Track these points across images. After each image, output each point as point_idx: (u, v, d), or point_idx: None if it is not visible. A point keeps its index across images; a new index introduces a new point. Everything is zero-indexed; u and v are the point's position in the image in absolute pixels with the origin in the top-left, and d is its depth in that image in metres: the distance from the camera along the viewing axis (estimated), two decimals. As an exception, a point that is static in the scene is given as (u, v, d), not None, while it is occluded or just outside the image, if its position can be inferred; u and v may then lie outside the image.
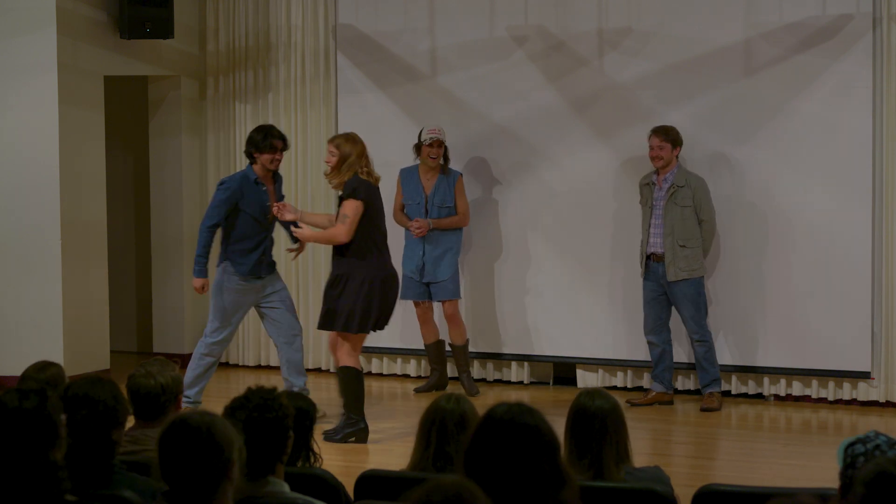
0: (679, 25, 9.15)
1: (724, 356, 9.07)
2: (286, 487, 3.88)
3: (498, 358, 9.75)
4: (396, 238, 8.83)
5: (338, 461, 6.95)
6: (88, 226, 9.53)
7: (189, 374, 8.37)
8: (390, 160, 9.65)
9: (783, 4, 8.90)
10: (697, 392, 9.12)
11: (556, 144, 9.40)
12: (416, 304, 9.38)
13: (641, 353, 9.25)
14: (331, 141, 7.93)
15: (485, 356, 9.77)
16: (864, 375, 8.84)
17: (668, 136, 8.74)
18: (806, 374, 9.00)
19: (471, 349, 9.72)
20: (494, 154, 9.64)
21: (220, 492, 3.31)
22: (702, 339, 8.84)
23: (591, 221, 9.35)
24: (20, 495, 3.36)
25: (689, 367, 9.18)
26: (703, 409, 8.76)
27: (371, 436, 7.96)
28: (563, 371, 9.72)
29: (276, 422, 3.87)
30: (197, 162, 10.50)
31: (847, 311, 8.82)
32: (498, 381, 9.78)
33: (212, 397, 8.91)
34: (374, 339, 9.92)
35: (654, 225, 8.81)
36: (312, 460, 4.50)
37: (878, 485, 2.93)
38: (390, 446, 7.74)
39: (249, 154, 8.36)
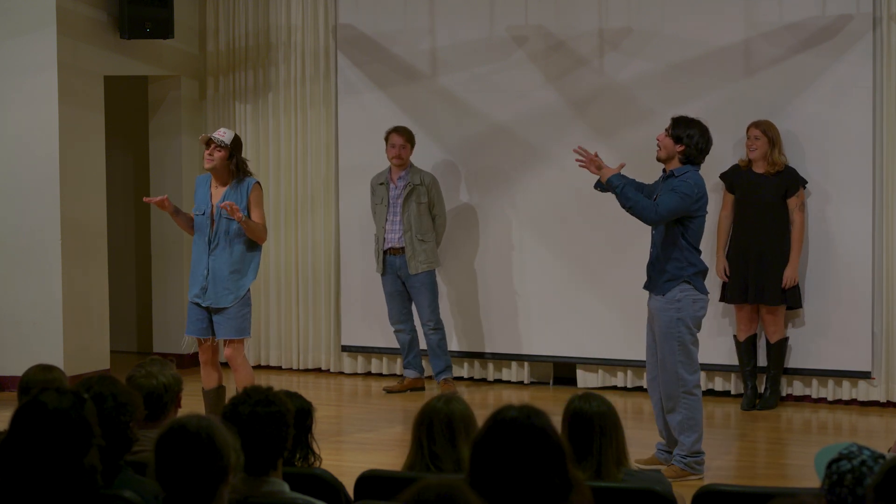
0: (679, 25, 9.15)
1: (725, 356, 9.07)
2: (286, 487, 3.88)
3: (498, 358, 9.74)
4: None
5: (337, 461, 6.95)
6: (88, 226, 9.53)
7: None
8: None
9: (783, 4, 8.90)
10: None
11: (556, 144, 9.39)
12: (200, 344, 7.80)
13: (641, 352, 9.24)
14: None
15: (485, 356, 9.77)
16: (865, 375, 8.83)
17: (409, 138, 9.25)
18: (806, 373, 9.00)
19: (472, 349, 9.72)
20: (494, 154, 9.63)
21: (218, 496, 3.31)
22: (436, 328, 9.35)
23: (591, 221, 9.34)
24: (55, 496, 3.37)
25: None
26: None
27: (371, 436, 7.95)
28: (563, 371, 9.72)
29: (277, 416, 3.87)
30: (197, 162, 10.47)
31: (847, 311, 8.82)
32: (498, 381, 9.78)
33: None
34: (374, 339, 9.95)
35: (392, 221, 9.27)
36: (312, 460, 4.51)
37: (890, 478, 2.92)
38: (390, 446, 7.74)
39: None
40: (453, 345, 9.70)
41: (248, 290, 7.71)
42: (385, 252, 9.30)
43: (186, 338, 7.94)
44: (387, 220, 9.28)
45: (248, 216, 7.60)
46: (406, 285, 9.34)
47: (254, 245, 7.71)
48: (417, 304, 9.37)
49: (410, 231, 9.21)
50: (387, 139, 9.28)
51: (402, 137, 9.23)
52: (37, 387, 4.39)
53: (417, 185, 9.23)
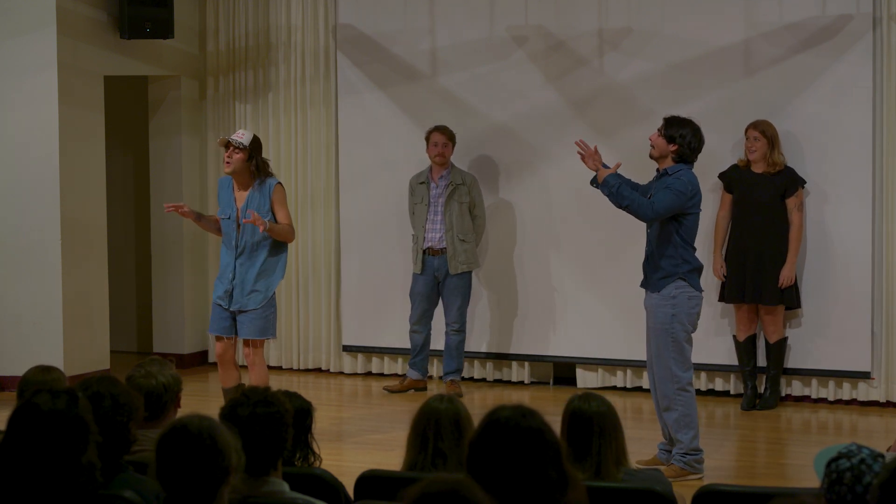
0: (679, 25, 9.15)
1: (724, 356, 9.07)
2: (286, 487, 3.88)
3: (498, 358, 9.74)
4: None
5: (337, 461, 6.95)
6: (88, 226, 9.53)
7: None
8: (390, 160, 9.67)
9: (783, 4, 8.90)
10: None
11: (556, 144, 9.39)
12: (219, 340, 7.84)
13: (641, 352, 9.24)
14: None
15: (485, 356, 9.77)
16: (865, 375, 8.83)
17: (451, 137, 9.25)
18: (805, 373, 9.00)
19: (472, 349, 9.72)
20: (494, 154, 9.64)
21: (219, 497, 3.31)
22: (460, 329, 9.33)
23: (591, 221, 9.34)
24: (55, 497, 3.38)
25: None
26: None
27: (371, 436, 7.95)
28: (563, 371, 9.72)
29: (277, 417, 3.87)
30: (197, 162, 10.49)
31: (846, 311, 8.82)
32: (498, 381, 9.78)
33: (210, 397, 8.92)
34: (374, 338, 9.95)
35: (433, 221, 9.23)
36: (312, 460, 4.51)
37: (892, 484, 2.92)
38: (390, 446, 7.73)
39: None
40: (453, 345, 9.70)
41: (275, 291, 7.71)
42: (424, 252, 9.26)
43: (211, 336, 7.92)
44: (427, 219, 9.24)
45: (273, 217, 7.60)
46: (441, 285, 9.29)
47: (280, 245, 7.73)
48: (447, 305, 9.30)
49: (452, 230, 9.18)
50: (427, 138, 9.24)
51: (444, 136, 9.19)
52: (35, 388, 4.40)
53: (459, 185, 9.21)
